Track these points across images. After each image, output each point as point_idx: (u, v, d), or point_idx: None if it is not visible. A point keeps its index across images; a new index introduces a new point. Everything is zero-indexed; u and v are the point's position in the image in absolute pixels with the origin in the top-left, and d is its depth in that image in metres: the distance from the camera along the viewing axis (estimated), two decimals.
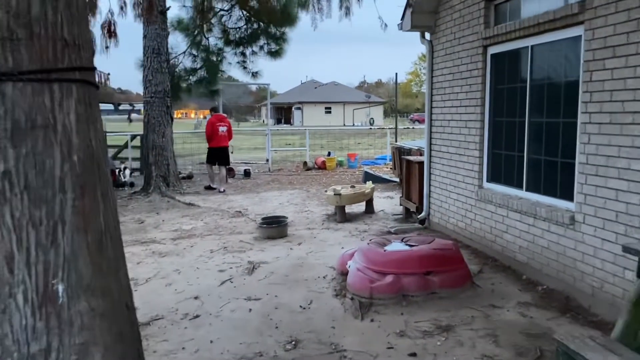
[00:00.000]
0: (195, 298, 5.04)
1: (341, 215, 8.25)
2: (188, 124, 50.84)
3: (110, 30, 5.88)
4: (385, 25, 6.48)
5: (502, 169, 5.96)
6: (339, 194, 8.14)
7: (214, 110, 12.72)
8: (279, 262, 6.12)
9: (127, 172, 13.86)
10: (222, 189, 11.91)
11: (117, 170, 13.43)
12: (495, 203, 5.86)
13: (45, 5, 1.75)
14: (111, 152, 16.15)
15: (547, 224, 4.99)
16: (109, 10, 5.78)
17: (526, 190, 5.49)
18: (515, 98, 5.66)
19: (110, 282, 1.97)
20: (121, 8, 5.90)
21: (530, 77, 5.39)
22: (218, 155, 12.15)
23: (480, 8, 6.16)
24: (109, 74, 5.88)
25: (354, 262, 5.11)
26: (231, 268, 5.99)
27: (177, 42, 14.15)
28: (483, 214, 6.16)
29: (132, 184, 12.77)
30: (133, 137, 15.72)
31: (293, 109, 63.23)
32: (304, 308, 4.67)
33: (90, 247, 1.88)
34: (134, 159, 15.36)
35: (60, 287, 1.82)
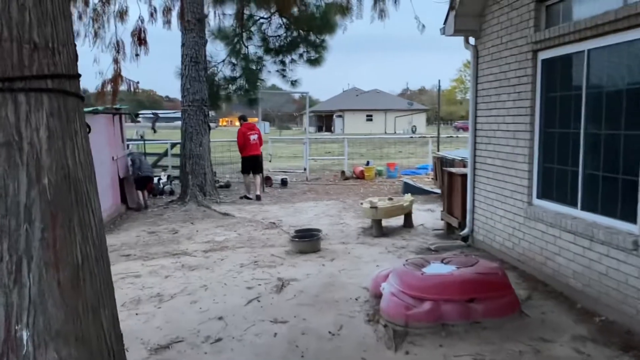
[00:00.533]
0: (219, 319, 4.75)
1: (378, 230, 7.85)
2: (232, 132, 51.42)
3: (140, 38, 5.70)
4: (423, 26, 6.11)
5: (554, 185, 5.45)
6: (376, 207, 7.75)
7: (242, 119, 12.60)
8: (309, 280, 5.78)
9: (165, 180, 13.90)
10: (258, 193, 11.92)
11: (156, 179, 13.48)
12: (546, 222, 5.35)
13: (8, 1, 1.48)
14: (152, 159, 16.30)
15: (606, 248, 4.47)
16: (139, 17, 5.60)
17: (581, 209, 4.97)
18: (569, 107, 5.16)
19: (88, 327, 1.67)
20: (151, 15, 5.73)
21: (587, 84, 4.88)
22: (252, 163, 12.09)
23: (530, 10, 5.69)
24: (138, 82, 5.71)
25: (388, 284, 4.71)
26: (260, 285, 5.69)
27: (216, 50, 14.11)
28: (532, 234, 5.66)
29: (171, 192, 12.76)
30: (173, 145, 15.76)
31: (334, 116, 63.02)
32: (333, 334, 4.31)
33: (63, 286, 1.60)
34: (174, 167, 15.39)
35: (25, 334, 1.54)
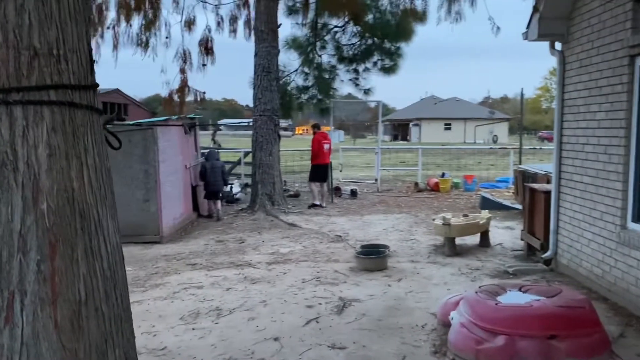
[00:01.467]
0: (275, 339, 4.53)
1: (450, 248, 7.36)
2: (307, 140, 51.44)
3: (207, 47, 5.65)
4: (498, 28, 5.63)
5: None
6: (449, 224, 7.27)
7: (316, 127, 12.73)
8: (372, 302, 5.44)
9: (238, 188, 14.03)
10: (324, 204, 11.96)
11: (228, 187, 13.64)
12: None
13: (4, 1, 1.30)
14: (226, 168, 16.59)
15: None
16: (206, 27, 5.55)
17: None
18: None
19: None
20: (218, 24, 5.66)
21: None
22: (323, 172, 12.16)
23: (627, 10, 5.07)
24: (204, 92, 5.65)
25: (458, 313, 4.29)
26: (320, 304, 5.42)
27: (289, 60, 14.09)
28: (626, 262, 5.00)
29: (237, 200, 12.80)
30: (246, 153, 15.94)
31: (410, 125, 61.96)
32: None
33: (61, 326, 1.40)
34: (246, 175, 15.55)
35: None
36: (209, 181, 10.62)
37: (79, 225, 1.45)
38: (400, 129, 65.56)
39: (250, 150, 15.51)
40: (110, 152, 6.91)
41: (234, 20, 5.65)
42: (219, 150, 19.24)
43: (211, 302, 5.63)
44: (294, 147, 25.32)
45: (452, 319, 4.32)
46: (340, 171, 17.18)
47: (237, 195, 13.39)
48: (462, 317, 4.19)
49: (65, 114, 1.43)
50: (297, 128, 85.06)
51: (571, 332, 3.86)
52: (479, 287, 4.63)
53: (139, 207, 8.89)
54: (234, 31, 5.62)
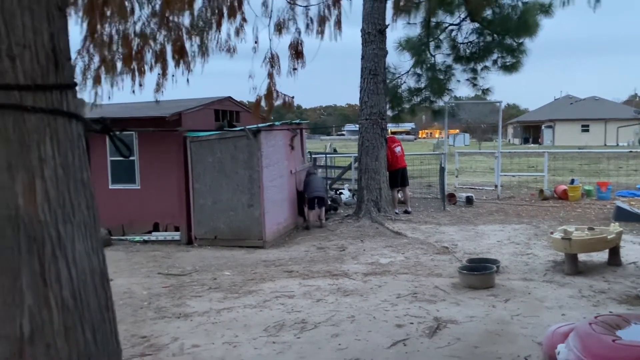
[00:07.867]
0: None
1: (571, 266, 6.45)
2: (430, 144, 49.83)
3: (297, 51, 5.46)
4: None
5: None
6: (569, 239, 6.37)
7: None
8: (471, 325, 4.86)
9: (348, 193, 13.83)
10: (409, 209, 11.68)
11: (337, 192, 13.49)
12: None
13: None
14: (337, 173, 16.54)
15: None
16: (296, 29, 5.36)
17: None
18: None
19: None
20: (307, 26, 5.44)
21: None
22: (401, 177, 11.78)
23: None
24: (293, 97, 5.47)
25: (566, 347, 3.61)
26: (411, 324, 4.97)
27: (400, 62, 13.62)
28: None
29: (335, 208, 12.34)
30: (356, 158, 15.73)
31: (542, 127, 57.71)
32: None
33: None
34: (357, 180, 15.31)
35: None
36: (311, 188, 10.42)
37: (24, 248, 1.26)
38: (531, 131, 61.37)
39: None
40: (220, 158, 6.98)
41: (322, 21, 5.39)
42: (334, 155, 19.28)
43: (298, 313, 5.43)
44: (416, 150, 24.58)
45: (558, 353, 3.66)
46: (456, 177, 16.28)
47: (345, 200, 13.18)
48: (570, 352, 3.52)
49: (9, 120, 1.24)
50: (420, 132, 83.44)
51: None
52: (595, 316, 3.88)
53: (244, 212, 9.02)
54: (321, 32, 5.35)
